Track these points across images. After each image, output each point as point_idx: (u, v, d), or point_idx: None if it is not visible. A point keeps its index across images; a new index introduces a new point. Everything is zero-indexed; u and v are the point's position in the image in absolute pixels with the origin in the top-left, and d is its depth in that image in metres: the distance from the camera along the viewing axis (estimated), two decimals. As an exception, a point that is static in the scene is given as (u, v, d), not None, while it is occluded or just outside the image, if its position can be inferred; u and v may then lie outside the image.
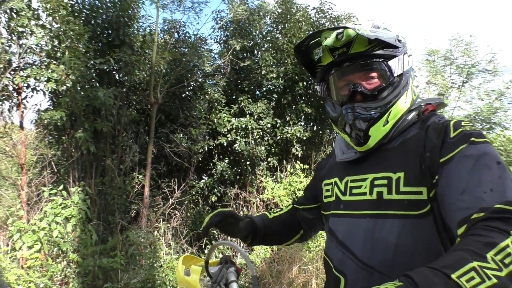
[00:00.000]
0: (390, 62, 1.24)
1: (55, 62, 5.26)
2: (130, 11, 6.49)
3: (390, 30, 1.33)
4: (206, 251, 5.98)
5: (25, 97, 5.41)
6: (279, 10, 9.30)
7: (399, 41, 1.27)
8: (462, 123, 1.13)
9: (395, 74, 1.24)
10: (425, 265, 0.84)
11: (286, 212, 1.73)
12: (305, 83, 8.55)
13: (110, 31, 6.41)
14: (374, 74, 1.26)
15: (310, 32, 1.27)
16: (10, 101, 5.27)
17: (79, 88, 5.50)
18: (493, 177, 0.98)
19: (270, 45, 9.00)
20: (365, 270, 1.18)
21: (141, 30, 7.32)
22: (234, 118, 7.98)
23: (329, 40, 1.29)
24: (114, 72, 6.16)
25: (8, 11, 4.92)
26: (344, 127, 1.30)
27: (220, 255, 1.44)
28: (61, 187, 5.01)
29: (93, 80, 6.00)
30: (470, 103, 8.47)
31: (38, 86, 5.44)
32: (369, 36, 1.19)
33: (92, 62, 5.79)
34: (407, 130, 1.27)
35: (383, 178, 1.21)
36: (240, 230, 1.52)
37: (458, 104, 8.25)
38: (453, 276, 0.79)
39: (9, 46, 5.10)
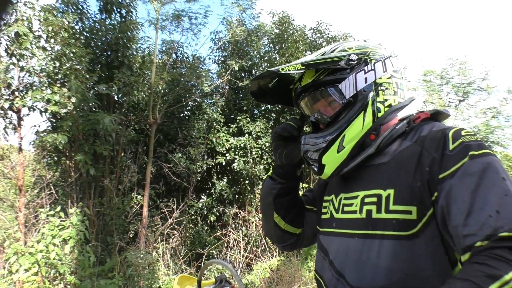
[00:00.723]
0: (341, 85, 1.20)
1: (55, 84, 5.30)
2: (129, 33, 6.58)
3: (349, 49, 1.26)
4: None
5: (23, 116, 5.43)
6: (277, 31, 9.44)
7: (351, 60, 1.20)
8: (462, 132, 1.04)
9: (347, 96, 1.19)
10: None
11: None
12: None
13: (109, 53, 6.48)
14: (324, 101, 1.25)
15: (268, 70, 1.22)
16: (10, 123, 5.28)
17: (79, 110, 5.53)
18: (498, 197, 0.90)
19: (268, 65, 9.10)
20: None
21: (140, 51, 7.40)
22: (232, 137, 8.01)
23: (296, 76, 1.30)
24: (113, 93, 6.21)
25: (11, 34, 4.98)
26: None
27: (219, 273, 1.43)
28: (58, 208, 4.99)
29: (93, 103, 6.04)
30: (468, 122, 8.51)
31: (36, 105, 5.46)
32: (299, 71, 1.17)
33: (92, 85, 5.84)
34: (398, 141, 1.19)
35: (373, 195, 1.14)
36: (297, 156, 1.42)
37: (456, 122, 8.28)
38: None
39: (11, 69, 5.14)
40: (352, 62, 1.20)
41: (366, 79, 1.21)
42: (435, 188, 1.02)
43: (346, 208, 1.24)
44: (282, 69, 1.14)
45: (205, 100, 8.77)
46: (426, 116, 1.24)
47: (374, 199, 1.13)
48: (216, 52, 9.36)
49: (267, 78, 1.32)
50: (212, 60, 9.58)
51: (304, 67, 1.15)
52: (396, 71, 1.29)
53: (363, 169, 1.22)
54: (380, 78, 1.23)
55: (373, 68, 1.23)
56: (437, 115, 1.27)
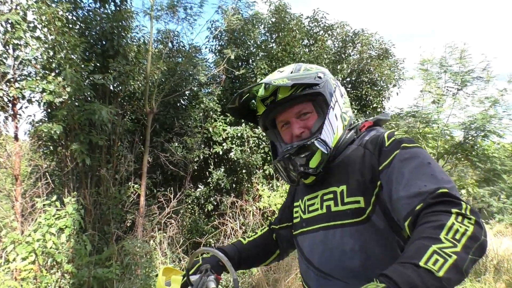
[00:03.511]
0: (324, 98, 1.39)
1: (50, 73, 5.28)
2: (123, 22, 6.53)
3: (311, 69, 1.45)
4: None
5: (20, 107, 5.42)
6: (273, 20, 9.39)
7: (319, 77, 1.40)
8: (395, 133, 1.29)
9: (329, 105, 1.39)
10: (391, 263, 0.92)
11: (260, 235, 1.82)
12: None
13: (104, 42, 6.44)
14: (311, 111, 1.43)
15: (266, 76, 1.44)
16: (5, 112, 5.26)
17: (74, 100, 5.51)
18: (426, 175, 1.11)
19: (265, 53, 9.06)
20: (324, 278, 1.33)
21: (135, 40, 7.36)
22: (229, 126, 8.00)
23: (260, 92, 1.44)
24: (109, 83, 6.19)
25: (3, 23, 4.95)
26: (285, 166, 1.44)
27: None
28: (54, 198, 5.00)
29: (88, 92, 6.01)
30: (465, 111, 8.48)
31: (34, 97, 5.44)
32: (286, 84, 1.31)
33: (86, 75, 5.82)
34: (347, 147, 1.41)
35: (330, 192, 1.37)
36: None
37: (453, 111, 8.26)
38: (421, 263, 0.86)
39: (5, 58, 5.12)
40: (320, 80, 1.40)
41: (332, 94, 1.42)
42: (378, 178, 1.24)
43: (310, 208, 1.45)
44: (274, 81, 1.32)
45: (202, 89, 8.75)
46: (370, 124, 1.48)
47: (331, 196, 1.36)
48: (212, 41, 9.32)
49: (250, 91, 1.48)
50: (209, 49, 9.55)
51: (290, 81, 1.32)
52: (343, 94, 1.50)
53: (320, 173, 1.40)
54: (341, 97, 1.46)
55: (337, 86, 1.47)
56: (379, 121, 1.52)
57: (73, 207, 4.94)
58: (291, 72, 1.43)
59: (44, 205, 4.95)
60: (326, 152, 1.34)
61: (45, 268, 4.64)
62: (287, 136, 1.46)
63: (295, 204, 1.60)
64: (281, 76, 1.40)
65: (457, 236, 0.92)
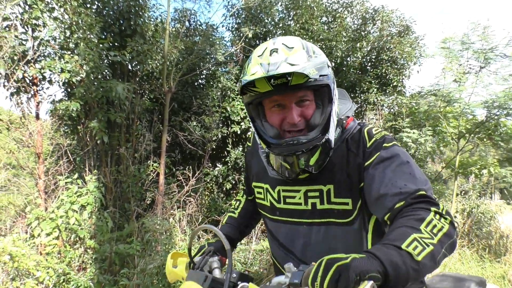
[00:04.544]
0: (332, 90, 1.34)
1: (68, 53, 5.32)
2: (140, 1, 6.51)
3: (319, 53, 1.35)
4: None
5: (42, 89, 5.50)
6: (291, -4, 9.22)
7: (328, 66, 1.34)
8: (373, 131, 1.36)
9: (332, 99, 1.34)
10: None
11: (245, 202, 1.85)
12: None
13: (121, 21, 6.44)
14: (311, 99, 1.35)
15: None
16: (26, 92, 5.35)
17: (92, 79, 5.56)
18: (404, 174, 1.22)
19: (282, 31, 8.95)
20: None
21: (152, 19, 7.34)
22: (247, 105, 7.97)
23: (265, 66, 1.25)
24: (127, 62, 6.21)
25: (21, 3, 4.98)
26: (285, 156, 1.34)
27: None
28: (75, 176, 5.10)
29: (106, 71, 6.06)
30: (487, 89, 8.23)
31: (54, 78, 5.51)
32: (312, 76, 1.22)
33: (105, 53, 5.84)
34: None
35: (315, 190, 1.39)
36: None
37: (475, 90, 8.04)
38: (402, 246, 0.95)
39: (25, 40, 5.17)
40: (329, 70, 1.34)
41: (334, 88, 1.39)
42: (362, 178, 1.31)
43: (288, 200, 1.46)
44: (303, 70, 1.21)
45: (219, 69, 8.70)
46: (351, 120, 1.47)
47: (317, 193, 1.38)
48: (229, 19, 9.24)
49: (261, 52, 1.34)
50: (226, 28, 9.48)
51: (317, 72, 1.25)
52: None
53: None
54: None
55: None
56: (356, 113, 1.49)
57: (94, 185, 5.04)
58: (307, 55, 1.29)
59: (66, 182, 5.05)
60: (329, 152, 1.36)
61: (69, 244, 4.76)
62: (276, 119, 1.35)
63: (256, 184, 1.62)
64: (299, 59, 1.26)
65: (435, 231, 1.03)
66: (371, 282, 0.85)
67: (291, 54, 1.26)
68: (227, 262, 1.16)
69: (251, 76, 1.25)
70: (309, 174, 1.36)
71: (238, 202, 1.87)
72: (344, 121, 1.44)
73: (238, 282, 1.18)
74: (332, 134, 1.33)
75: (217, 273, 1.32)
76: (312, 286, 0.92)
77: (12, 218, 5.39)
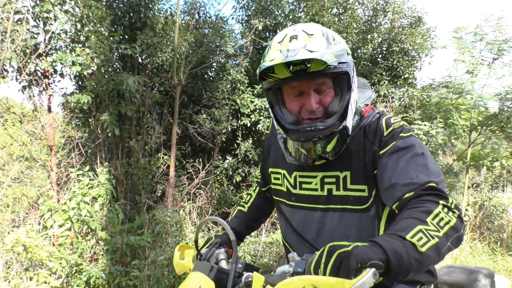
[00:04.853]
0: (351, 78, 1.34)
1: (79, 46, 5.35)
2: (150, -7, 6.51)
3: (338, 40, 1.35)
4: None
5: (53, 82, 5.55)
6: (301, -13, 9.14)
7: (348, 53, 1.33)
8: (392, 121, 1.37)
9: (351, 87, 1.34)
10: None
11: (256, 196, 1.86)
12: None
13: (131, 14, 6.45)
14: (330, 87, 1.35)
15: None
16: (38, 85, 5.40)
17: (103, 72, 5.59)
18: (418, 165, 1.23)
19: (293, 23, 8.88)
20: None
21: (162, 12, 7.34)
22: (257, 98, 7.97)
23: (284, 52, 1.25)
24: (137, 55, 6.23)
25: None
26: (303, 142, 1.35)
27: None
28: (87, 168, 5.15)
29: (116, 64, 6.09)
30: (501, 80, 8.11)
31: (66, 71, 5.56)
32: (331, 63, 1.21)
33: (115, 46, 5.87)
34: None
35: (332, 176, 1.39)
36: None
37: (488, 81, 7.92)
38: (407, 237, 0.96)
39: (37, 33, 5.21)
40: (349, 58, 1.34)
41: (354, 76, 1.39)
42: (376, 166, 1.32)
43: (304, 185, 1.47)
44: (322, 56, 1.20)
45: (229, 61, 8.69)
46: (370, 108, 1.49)
47: (333, 180, 1.39)
48: (239, 11, 9.19)
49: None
50: (236, 20, 9.43)
51: (336, 59, 1.24)
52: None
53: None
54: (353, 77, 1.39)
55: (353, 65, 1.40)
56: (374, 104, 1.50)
57: (105, 177, 5.08)
58: (327, 42, 1.29)
59: (77, 175, 5.11)
60: (347, 139, 1.36)
61: (81, 235, 4.82)
62: (295, 106, 1.37)
63: (273, 170, 1.63)
64: (319, 46, 1.26)
65: (441, 224, 1.04)
66: (373, 269, 0.85)
67: (311, 41, 1.27)
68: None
69: (270, 62, 1.25)
70: (326, 160, 1.37)
71: (249, 196, 1.88)
72: (363, 109, 1.45)
73: (244, 272, 1.19)
74: (349, 122, 1.34)
75: (223, 264, 1.33)
76: (316, 274, 0.93)
77: (26, 210, 5.47)
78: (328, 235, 1.41)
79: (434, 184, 1.15)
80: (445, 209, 1.09)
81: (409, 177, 1.19)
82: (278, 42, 1.31)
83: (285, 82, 1.32)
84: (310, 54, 1.21)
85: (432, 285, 1.50)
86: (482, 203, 8.00)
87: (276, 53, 1.26)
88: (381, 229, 1.37)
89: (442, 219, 1.05)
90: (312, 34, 1.29)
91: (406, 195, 1.17)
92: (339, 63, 1.26)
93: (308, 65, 1.22)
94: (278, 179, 1.59)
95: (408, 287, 1.36)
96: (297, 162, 1.43)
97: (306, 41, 1.26)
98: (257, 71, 1.32)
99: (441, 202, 1.10)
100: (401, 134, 1.31)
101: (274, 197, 1.67)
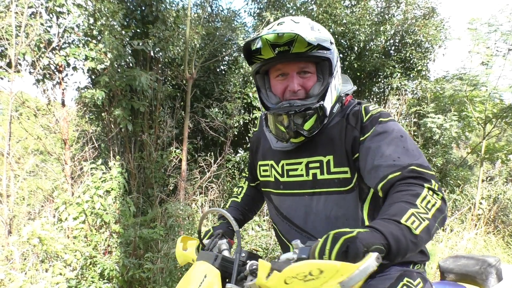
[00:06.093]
0: (332, 62, 1.43)
1: (92, 40, 5.38)
2: (162, -14, 6.51)
3: (323, 30, 1.46)
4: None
5: (66, 75, 5.59)
6: (313, -21, 9.06)
7: (331, 43, 1.43)
8: (370, 108, 1.43)
9: (332, 74, 1.43)
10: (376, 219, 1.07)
11: (247, 189, 1.94)
12: (341, 55, 8.35)
13: (143, 7, 6.46)
14: (313, 72, 1.45)
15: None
16: (52, 79, 5.45)
17: (116, 66, 5.62)
18: (398, 147, 1.28)
19: (305, 16, 8.81)
20: (308, 238, 1.47)
21: (173, 5, 7.34)
22: (269, 91, 7.93)
23: (270, 35, 1.35)
24: (149, 50, 6.25)
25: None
26: (282, 120, 1.43)
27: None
28: (99, 162, 5.19)
29: (129, 58, 6.11)
30: (516, 71, 7.96)
31: (78, 65, 5.60)
32: (311, 41, 1.30)
33: (127, 40, 5.89)
34: (332, 119, 1.49)
35: (316, 161, 1.46)
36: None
37: (503, 73, 7.79)
38: (402, 221, 1.02)
39: (50, 27, 5.25)
40: (332, 46, 1.43)
41: (337, 65, 1.49)
42: (356, 149, 1.39)
43: (291, 173, 1.54)
44: (302, 34, 1.29)
45: (241, 54, 8.67)
46: (351, 98, 1.57)
47: (317, 164, 1.46)
48: (251, 4, 9.16)
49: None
50: (248, 13, 9.42)
51: (316, 40, 1.33)
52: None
53: (304, 141, 1.49)
54: (340, 67, 1.53)
55: (338, 56, 1.51)
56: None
57: (118, 171, 5.12)
58: (311, 29, 1.42)
59: (91, 168, 5.15)
60: (324, 120, 1.44)
61: (95, 228, 4.87)
62: (279, 88, 1.47)
63: (262, 163, 1.70)
64: (303, 29, 1.38)
65: (429, 206, 1.10)
66: (376, 253, 0.88)
67: (296, 26, 1.39)
68: (235, 245, 1.19)
69: (256, 37, 1.37)
70: (304, 138, 1.46)
71: (240, 188, 1.97)
72: (344, 98, 1.54)
73: (247, 261, 1.22)
74: (328, 103, 1.42)
75: (226, 254, 1.36)
76: (320, 259, 0.95)
77: (41, 203, 5.55)
78: (316, 218, 1.48)
79: (415, 167, 1.21)
80: (430, 192, 1.15)
81: (391, 159, 1.25)
82: (267, 28, 1.43)
83: (270, 62, 1.43)
84: (294, 32, 1.30)
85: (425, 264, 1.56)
86: (496, 196, 7.90)
87: (263, 32, 1.39)
88: (364, 210, 1.43)
89: (429, 201, 1.11)
90: (299, 22, 1.42)
91: (391, 175, 1.22)
92: (319, 45, 1.35)
93: (291, 47, 1.35)
94: (266, 170, 1.67)
95: (403, 267, 1.43)
96: (278, 139, 1.52)
97: (292, 26, 1.39)
98: (243, 50, 1.43)
99: (426, 185, 1.16)
100: (380, 119, 1.38)
101: (263, 189, 1.76)
